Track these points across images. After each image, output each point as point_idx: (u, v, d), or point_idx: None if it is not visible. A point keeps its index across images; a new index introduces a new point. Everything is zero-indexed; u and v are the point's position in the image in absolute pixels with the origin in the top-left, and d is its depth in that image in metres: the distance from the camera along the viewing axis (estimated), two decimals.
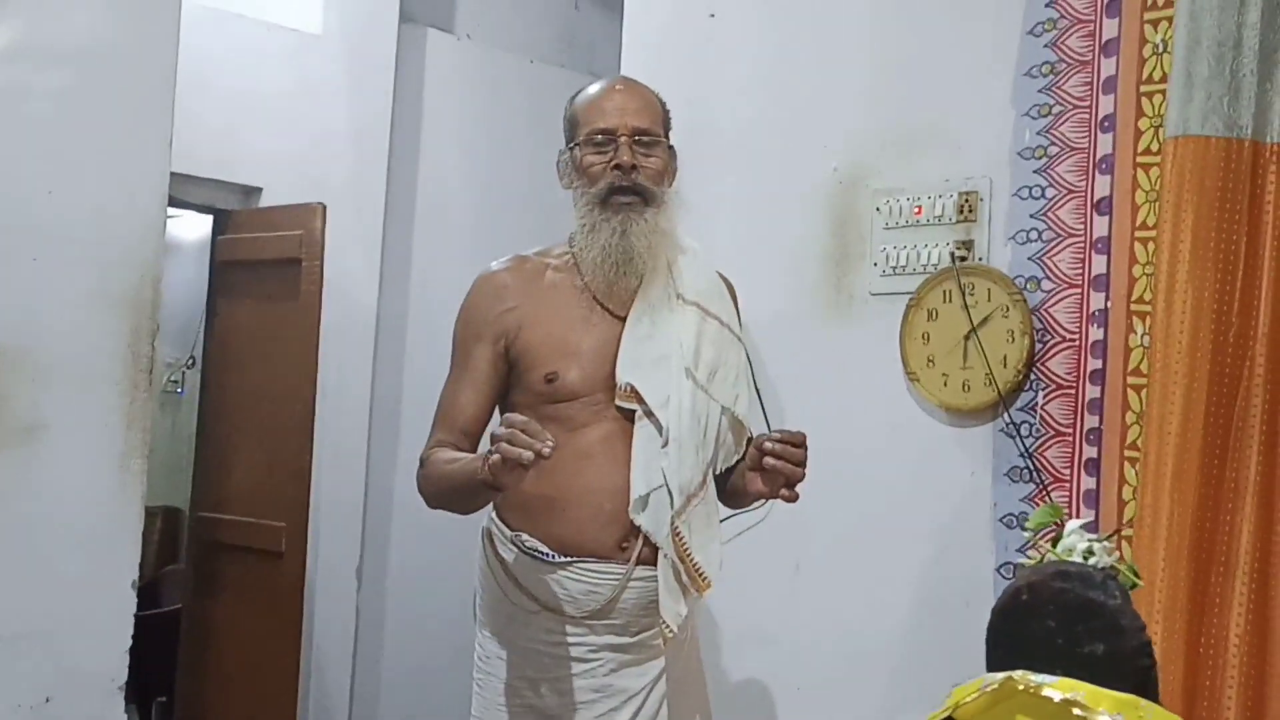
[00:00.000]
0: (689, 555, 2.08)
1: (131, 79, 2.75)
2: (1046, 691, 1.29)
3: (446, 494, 2.09)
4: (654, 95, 2.23)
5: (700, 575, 2.09)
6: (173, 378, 5.61)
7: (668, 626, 2.08)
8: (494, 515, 2.19)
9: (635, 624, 2.11)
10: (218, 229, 4.13)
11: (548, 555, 2.11)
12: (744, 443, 2.18)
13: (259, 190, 4.13)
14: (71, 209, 2.65)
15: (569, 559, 2.10)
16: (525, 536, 2.14)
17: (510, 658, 2.15)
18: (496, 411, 2.23)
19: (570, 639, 2.10)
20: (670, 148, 2.21)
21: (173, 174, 2.91)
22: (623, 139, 2.13)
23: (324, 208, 3.85)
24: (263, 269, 3.95)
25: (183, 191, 3.81)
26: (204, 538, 4.01)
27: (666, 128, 2.22)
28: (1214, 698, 2.07)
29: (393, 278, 4.36)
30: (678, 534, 2.08)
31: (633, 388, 2.10)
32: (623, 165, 2.12)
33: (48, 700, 2.55)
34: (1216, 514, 2.10)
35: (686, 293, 2.18)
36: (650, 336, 2.13)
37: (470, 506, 2.11)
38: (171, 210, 3.08)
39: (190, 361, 5.39)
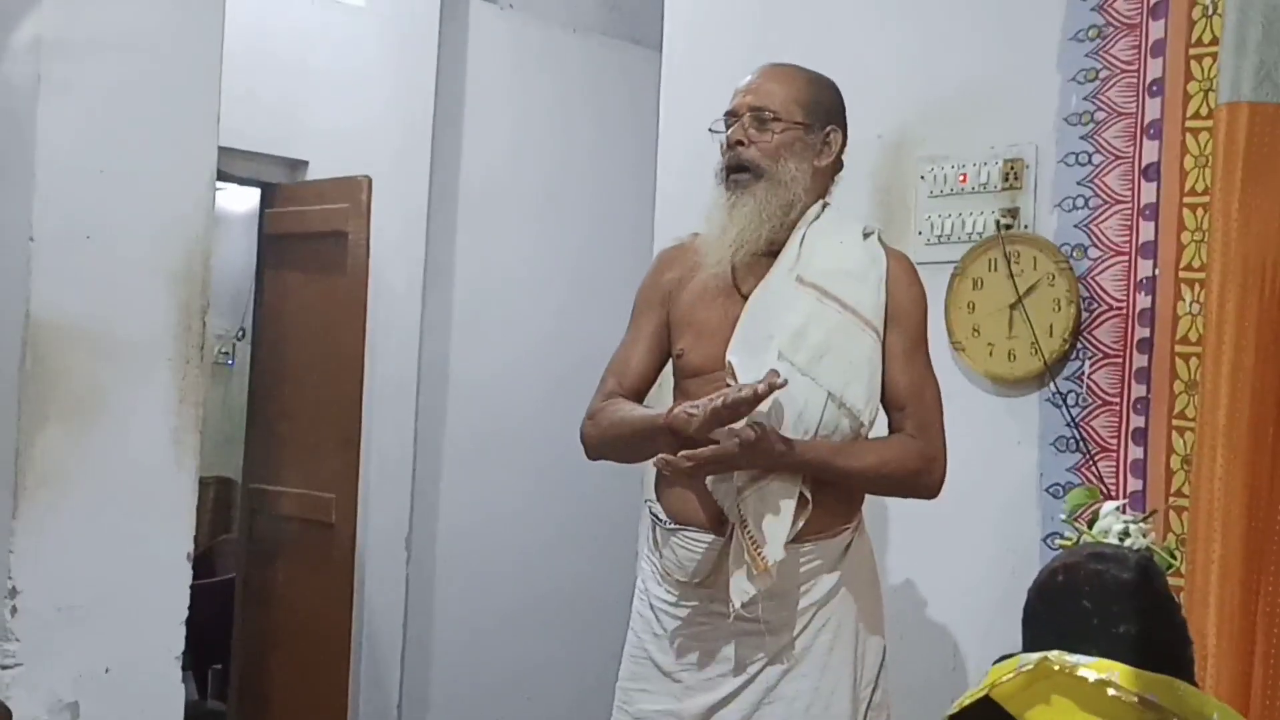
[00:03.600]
0: (749, 533, 2.10)
1: (179, 57, 2.77)
2: (1082, 672, 1.29)
3: (618, 439, 2.22)
4: (792, 77, 2.25)
5: (759, 554, 2.10)
6: (223, 350, 5.69)
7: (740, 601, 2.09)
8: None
9: None
10: (265, 202, 4.17)
11: (665, 521, 2.21)
12: (861, 429, 2.16)
13: (305, 164, 4.16)
14: (123, 187, 2.68)
15: (678, 526, 2.19)
16: (654, 503, 2.25)
17: (644, 611, 2.26)
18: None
19: (682, 602, 2.19)
20: (805, 125, 2.21)
21: (220, 148, 2.93)
22: (744, 118, 2.20)
23: (369, 180, 3.88)
24: (310, 241, 3.99)
25: (230, 165, 3.84)
26: (257, 508, 4.07)
27: (806, 108, 2.22)
28: (1271, 663, 2.06)
29: (438, 247, 4.39)
30: (741, 511, 2.10)
31: (731, 366, 2.13)
32: (730, 142, 2.21)
33: (107, 670, 2.60)
34: (1272, 485, 2.08)
35: (808, 273, 2.17)
36: (762, 317, 2.16)
37: (641, 454, 2.21)
38: (219, 184, 3.12)
39: (240, 333, 5.46)
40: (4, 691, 2.45)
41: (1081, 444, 2.38)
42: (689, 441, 2.06)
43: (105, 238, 2.66)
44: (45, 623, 2.54)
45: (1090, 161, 2.46)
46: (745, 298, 2.19)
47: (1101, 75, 2.47)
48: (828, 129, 2.23)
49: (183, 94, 2.79)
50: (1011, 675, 1.31)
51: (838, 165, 2.28)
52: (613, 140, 4.69)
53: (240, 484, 4.39)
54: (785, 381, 2.00)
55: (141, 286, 2.72)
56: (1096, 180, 2.45)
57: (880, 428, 2.18)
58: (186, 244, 2.78)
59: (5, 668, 2.49)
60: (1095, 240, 2.44)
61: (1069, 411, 2.40)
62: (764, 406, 2.05)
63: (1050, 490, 2.42)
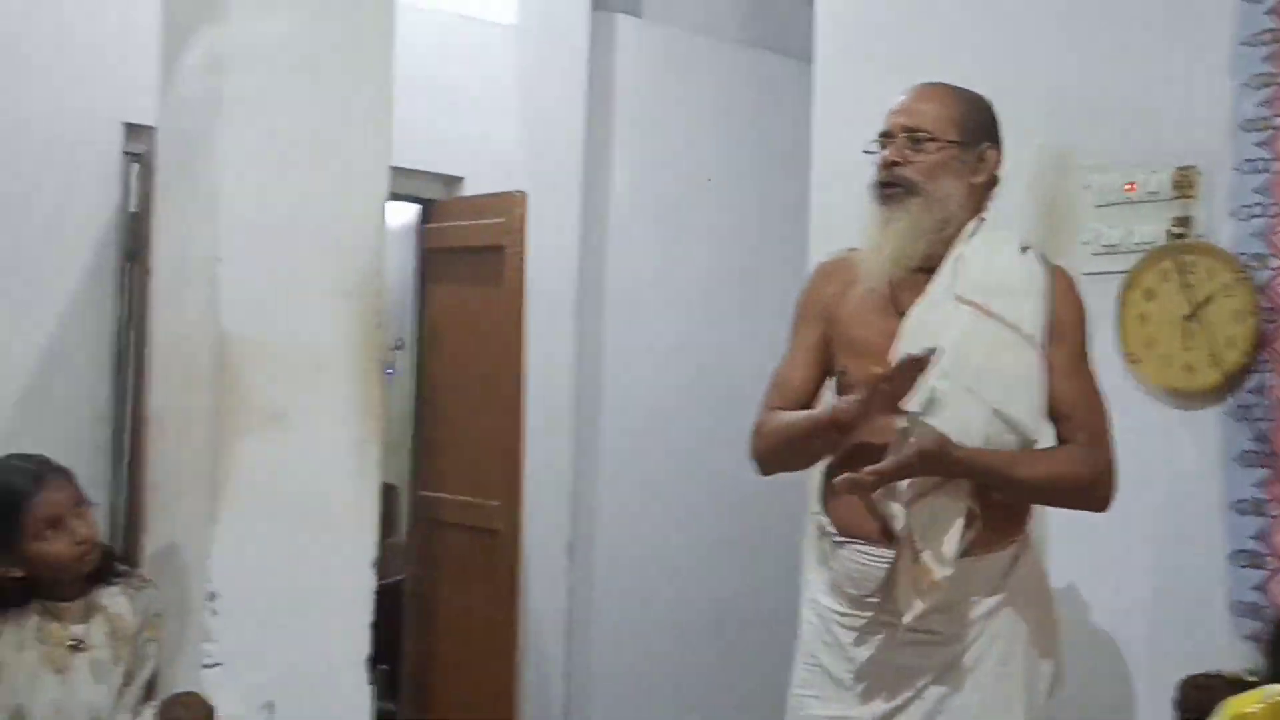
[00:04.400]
0: (917, 547, 2.12)
1: (354, 77, 2.86)
2: None
3: (783, 444, 2.27)
4: (945, 96, 2.28)
5: (927, 568, 2.12)
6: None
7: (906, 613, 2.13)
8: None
9: None
10: (424, 218, 4.30)
11: (833, 534, 2.24)
12: (1029, 445, 2.16)
13: (460, 180, 4.28)
14: (303, 206, 2.78)
15: (846, 540, 2.22)
16: (821, 515, 2.28)
17: (813, 620, 2.29)
18: None
19: (853, 613, 2.21)
20: (959, 144, 2.24)
21: None
22: (898, 138, 2.24)
23: (525, 196, 3.98)
24: (468, 255, 4.11)
25: (392, 183, 3.96)
26: (425, 515, 4.21)
27: (959, 126, 2.25)
28: None
29: (590, 259, 4.47)
30: (909, 524, 2.12)
31: None
32: (885, 162, 2.24)
33: (300, 671, 2.72)
34: None
35: (966, 290, 2.19)
36: (920, 335, 2.16)
37: (807, 454, 2.26)
38: None
39: (399, 344, 5.61)
40: (206, 689, 2.58)
41: (1271, 459, 2.34)
42: (860, 449, 2.08)
43: (286, 255, 2.77)
44: (242, 624, 2.66)
45: (1269, 169, 2.42)
46: (903, 315, 2.20)
47: (1278, 80, 2.43)
48: (982, 146, 2.26)
49: (357, 113, 2.88)
50: (1258, 706, 1.31)
51: (993, 182, 2.29)
52: (762, 151, 4.73)
53: (406, 491, 4.52)
54: (941, 350, 2.03)
55: (321, 302, 2.82)
56: (1277, 188, 2.41)
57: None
58: (362, 260, 2.88)
59: (207, 667, 2.62)
60: (1276, 249, 2.40)
61: (1256, 426, 2.36)
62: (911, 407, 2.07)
63: (1236, 507, 2.38)
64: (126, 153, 3.52)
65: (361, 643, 2.82)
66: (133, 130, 3.49)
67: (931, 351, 2.02)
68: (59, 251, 3.43)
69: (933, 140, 2.21)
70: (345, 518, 2.83)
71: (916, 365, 2.02)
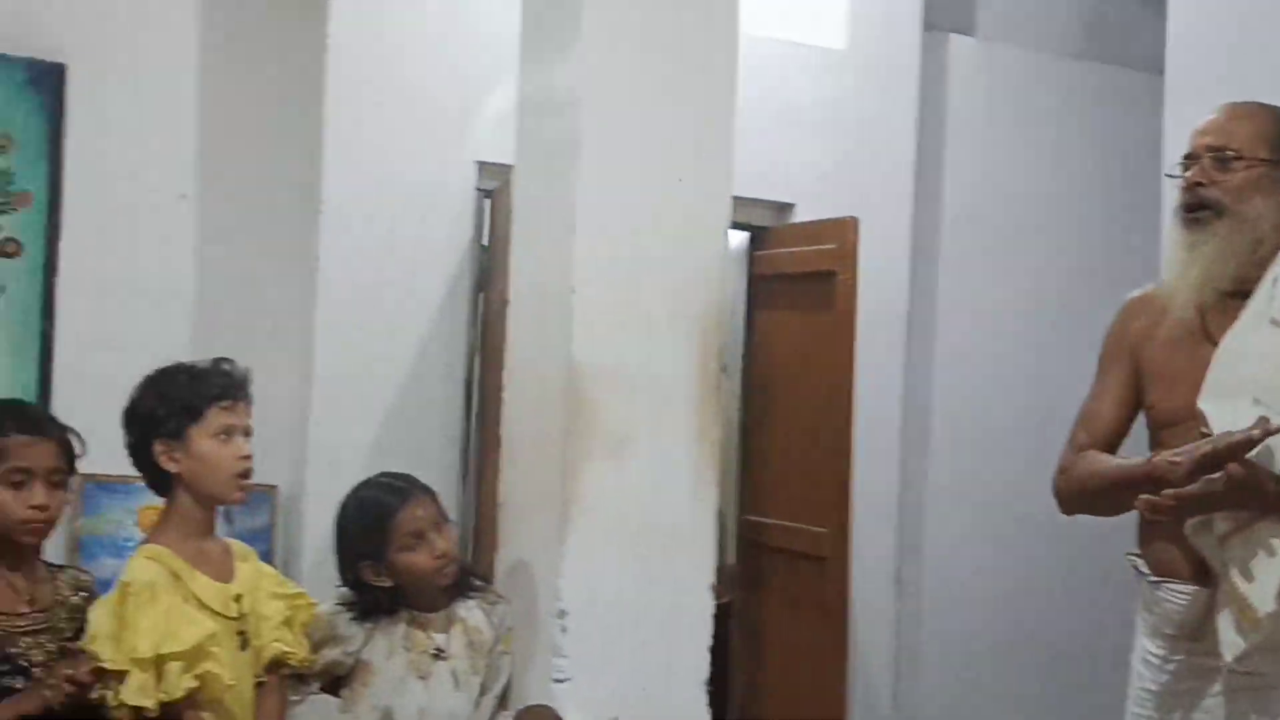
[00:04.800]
0: (1235, 583, 2.01)
1: (699, 109, 2.92)
2: None
3: (1095, 492, 2.21)
4: (1254, 114, 2.21)
5: (1247, 605, 2.00)
6: None
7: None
8: None
9: None
10: (754, 244, 4.35)
11: (1147, 575, 2.19)
12: None
13: (791, 206, 4.31)
14: (651, 237, 2.87)
15: (1161, 579, 2.15)
16: (1136, 557, 2.23)
17: (1138, 665, 2.24)
18: None
19: (1171, 657, 2.15)
20: (1271, 162, 2.15)
21: None
22: (1203, 159, 2.18)
23: (856, 221, 3.96)
24: (798, 282, 4.13)
25: None
26: (751, 539, 4.25)
27: (1271, 144, 2.16)
28: None
29: (921, 284, 4.41)
30: (1226, 560, 2.02)
31: (1203, 415, 2.06)
32: (1189, 184, 2.18)
33: (644, 690, 2.80)
34: None
35: None
36: (1234, 362, 2.08)
37: (1120, 505, 2.17)
38: None
39: (724, 368, 5.68)
40: (556, 703, 2.68)
41: None
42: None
43: (634, 286, 2.86)
44: (589, 642, 2.75)
45: None
46: (1215, 343, 2.11)
47: None
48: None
49: (704, 144, 2.94)
50: None
51: None
52: (1102, 170, 4.53)
53: (733, 514, 4.57)
54: None
55: (666, 330, 2.89)
56: None
57: None
58: (705, 289, 2.94)
59: (557, 681, 2.72)
60: None
61: None
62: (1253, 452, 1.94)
63: None
64: (479, 189, 3.74)
65: (701, 664, 2.87)
66: (485, 168, 3.71)
67: (1270, 432, 1.91)
68: (418, 283, 3.68)
69: (1240, 159, 2.14)
70: (685, 541, 2.88)
71: (1249, 445, 1.92)
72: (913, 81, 4.41)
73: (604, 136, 2.82)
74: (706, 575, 2.90)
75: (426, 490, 2.71)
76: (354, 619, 2.70)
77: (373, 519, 2.66)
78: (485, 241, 3.74)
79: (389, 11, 3.64)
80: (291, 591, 2.64)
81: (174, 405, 2.51)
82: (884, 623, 4.28)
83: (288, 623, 2.59)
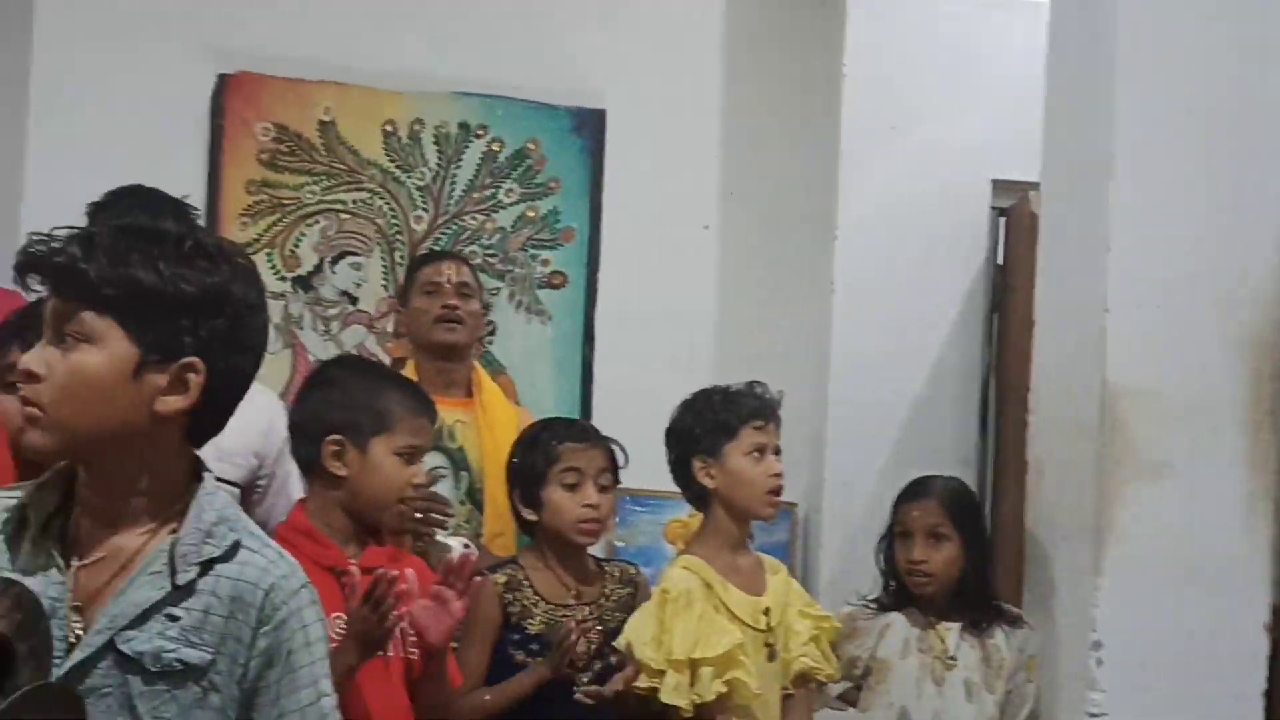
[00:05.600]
0: None
1: (1245, 120, 2.75)
2: None
3: None
4: None
5: None
6: None
7: None
8: None
9: None
10: None
11: None
12: None
13: None
14: (1194, 256, 2.72)
15: None
16: None
17: None
18: None
19: None
20: None
21: None
22: None
23: None
24: None
25: None
26: None
27: None
28: None
29: None
30: None
31: None
32: None
33: None
34: None
35: None
36: None
37: None
38: None
39: None
40: None
41: None
42: None
43: (1175, 306, 2.71)
44: (1127, 677, 2.63)
45: None
46: None
47: None
48: None
49: (1249, 155, 2.76)
50: None
51: None
52: None
53: None
54: None
55: (1212, 352, 2.72)
56: None
57: None
58: (1255, 307, 2.74)
59: (1092, 716, 2.62)
60: None
61: None
62: None
63: None
64: (993, 207, 3.69)
65: (1253, 712, 2.66)
66: (999, 185, 3.65)
67: None
68: (930, 304, 3.68)
69: None
70: (1235, 576, 2.69)
71: None
72: None
73: (1140, 152, 2.71)
74: (1260, 614, 2.69)
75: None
76: (869, 616, 2.80)
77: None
78: (1000, 260, 3.68)
79: (901, 36, 3.68)
80: (818, 613, 2.73)
81: (710, 424, 2.67)
82: None
83: (815, 640, 2.67)
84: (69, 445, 1.45)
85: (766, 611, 2.63)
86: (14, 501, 1.50)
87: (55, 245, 1.43)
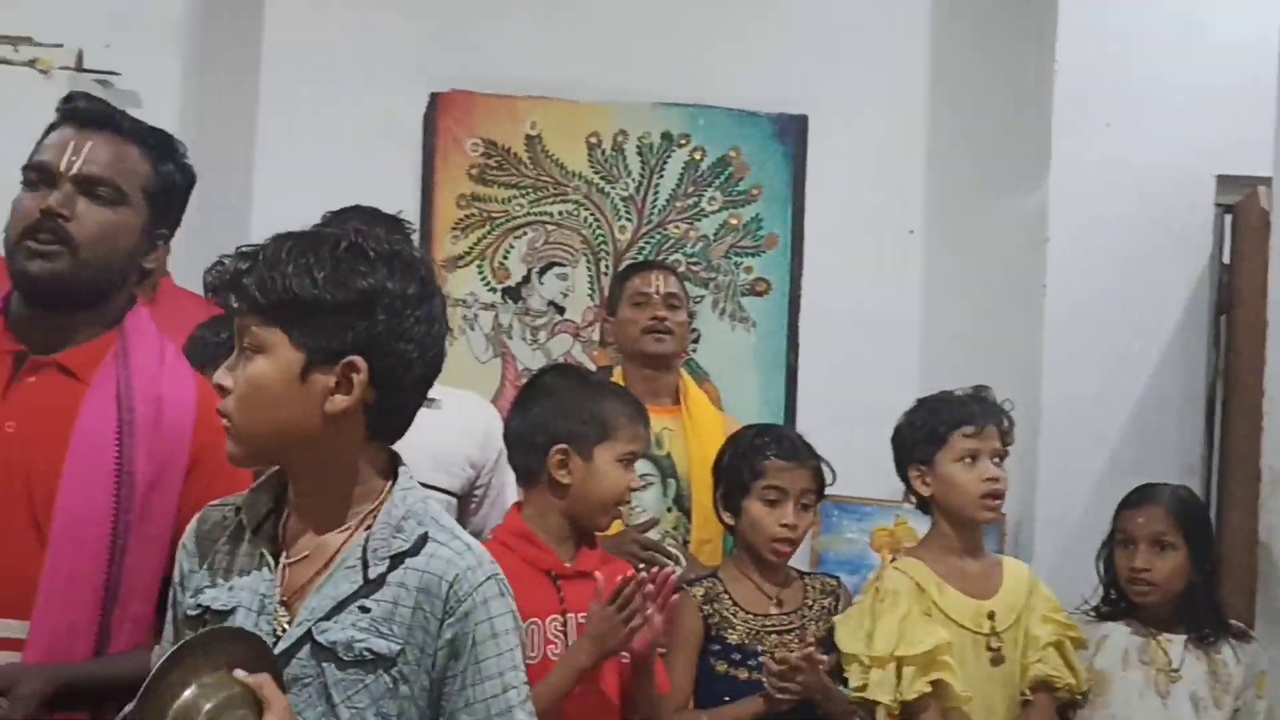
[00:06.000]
0: None
1: None
2: None
3: None
4: None
5: None
6: None
7: None
8: None
9: None
10: None
11: None
12: None
13: None
14: None
15: None
16: None
17: None
18: None
19: None
20: None
21: None
22: None
23: None
24: None
25: None
26: None
27: None
28: None
29: None
30: None
31: None
32: None
33: None
34: None
35: None
36: None
37: None
38: None
39: None
40: None
41: None
42: None
43: None
44: None
45: None
46: None
47: None
48: None
49: None
50: None
51: None
52: None
53: None
54: None
55: None
56: None
57: None
58: None
59: None
60: None
61: None
62: None
63: None
64: (1218, 204, 3.52)
65: None
66: (1224, 181, 3.48)
67: None
68: (1150, 306, 3.53)
69: None
70: None
71: None
72: None
73: None
74: None
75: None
76: (1086, 624, 2.73)
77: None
78: (1226, 260, 3.51)
79: (1117, 24, 3.54)
80: (1064, 620, 2.66)
81: (922, 432, 2.66)
82: None
83: (1057, 646, 2.61)
84: (256, 451, 1.54)
85: (991, 615, 2.60)
86: (231, 508, 1.60)
87: (226, 264, 1.54)
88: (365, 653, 1.49)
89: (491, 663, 1.52)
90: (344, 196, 2.76)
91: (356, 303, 1.49)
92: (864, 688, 2.49)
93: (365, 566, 1.51)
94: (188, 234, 1.85)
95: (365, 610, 1.50)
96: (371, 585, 1.51)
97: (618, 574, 2.19)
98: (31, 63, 3.04)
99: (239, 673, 1.41)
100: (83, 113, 1.86)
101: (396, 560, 1.51)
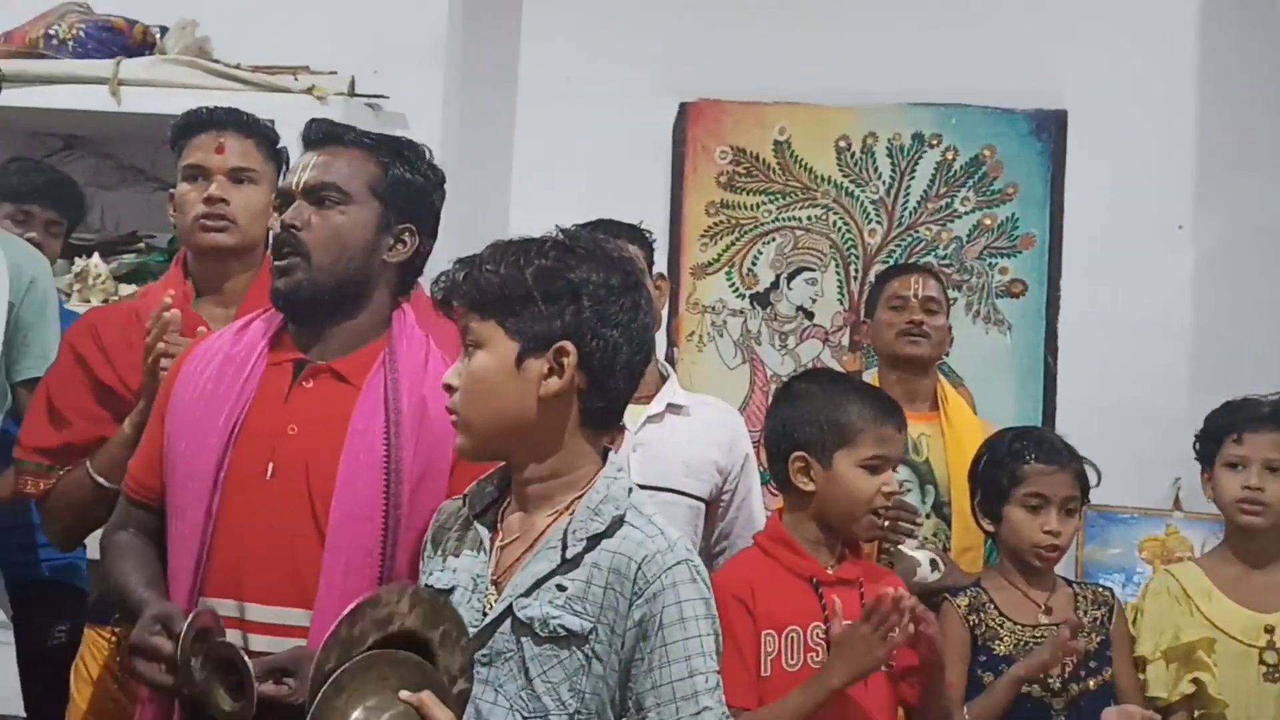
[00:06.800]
0: None
1: None
2: None
3: None
4: None
5: None
6: None
7: None
8: None
9: None
10: None
11: None
12: None
13: None
14: None
15: None
16: None
17: None
18: None
19: None
20: None
21: None
22: None
23: None
24: None
25: None
26: None
27: None
28: None
29: None
30: None
31: None
32: None
33: None
34: None
35: None
36: None
37: None
38: None
39: None
40: None
41: None
42: None
43: None
44: None
45: None
46: None
47: None
48: None
49: None
50: None
51: None
52: None
53: None
54: None
55: None
56: None
57: None
58: None
59: None
60: None
61: None
62: None
63: None
64: None
65: None
66: None
67: None
68: None
69: None
70: None
71: None
72: None
73: None
74: None
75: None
76: None
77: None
78: None
79: None
80: None
81: (1206, 438, 2.67)
82: None
83: None
84: (482, 442, 1.66)
85: (1270, 629, 2.52)
86: (464, 499, 1.74)
87: (448, 274, 1.68)
88: (559, 629, 1.57)
89: (678, 646, 1.56)
90: (597, 208, 2.83)
91: (564, 292, 1.61)
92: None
93: (564, 547, 1.60)
94: (447, 249, 1.93)
95: (561, 589, 1.59)
96: (568, 564, 1.60)
97: (882, 586, 2.15)
98: (309, 90, 3.23)
99: (403, 694, 1.50)
100: (312, 135, 2.02)
101: (593, 541, 1.60)
